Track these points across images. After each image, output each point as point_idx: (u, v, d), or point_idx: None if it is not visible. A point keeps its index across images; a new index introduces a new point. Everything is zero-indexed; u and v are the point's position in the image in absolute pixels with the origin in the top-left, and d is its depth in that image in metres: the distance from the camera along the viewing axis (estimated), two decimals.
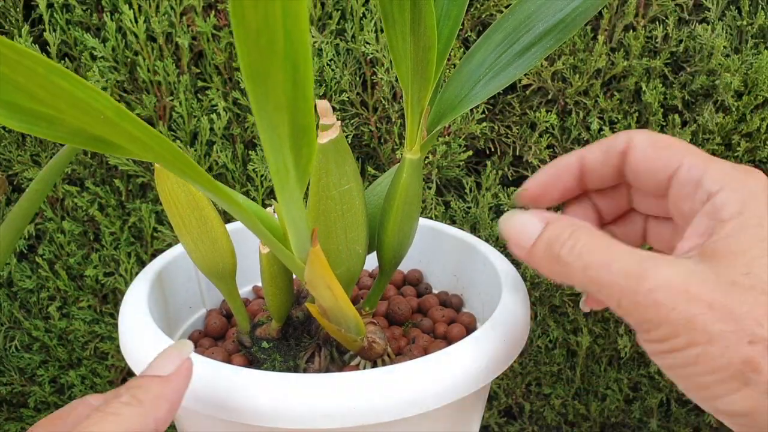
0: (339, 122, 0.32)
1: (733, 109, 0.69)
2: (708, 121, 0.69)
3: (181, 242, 0.38)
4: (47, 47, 0.70)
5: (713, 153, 0.71)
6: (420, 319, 0.46)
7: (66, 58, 0.71)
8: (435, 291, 0.53)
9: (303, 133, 0.25)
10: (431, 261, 0.54)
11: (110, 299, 0.80)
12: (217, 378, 0.31)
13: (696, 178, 0.30)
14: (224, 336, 0.47)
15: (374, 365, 0.38)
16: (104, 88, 0.71)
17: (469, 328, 0.45)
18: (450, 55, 0.68)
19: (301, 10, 0.21)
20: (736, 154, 0.72)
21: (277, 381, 0.31)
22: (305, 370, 0.37)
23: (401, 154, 0.39)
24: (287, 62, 0.22)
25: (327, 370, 0.38)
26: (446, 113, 0.38)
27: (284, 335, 0.39)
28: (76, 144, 0.26)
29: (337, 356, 0.39)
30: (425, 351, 0.41)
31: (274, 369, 0.38)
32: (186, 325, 0.49)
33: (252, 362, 0.42)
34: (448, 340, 0.43)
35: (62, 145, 0.65)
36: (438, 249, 0.53)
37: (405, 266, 0.55)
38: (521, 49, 0.37)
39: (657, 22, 0.69)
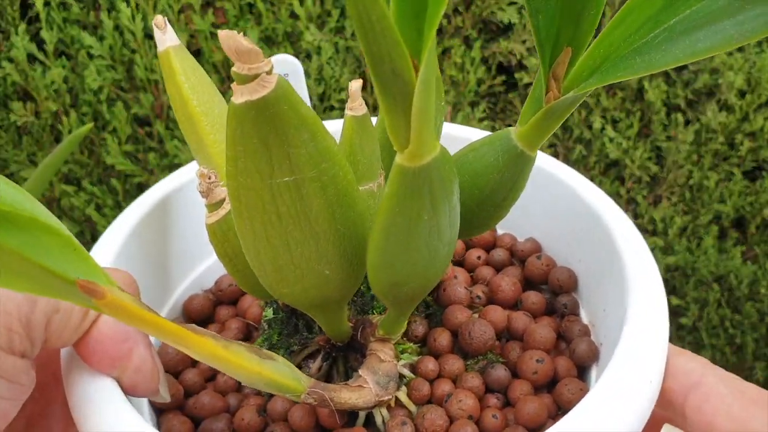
0: (275, 74, 0.19)
1: (737, 108, 0.68)
2: (711, 120, 0.69)
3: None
4: (44, 45, 0.68)
5: (716, 152, 0.72)
6: (498, 354, 0.30)
7: (63, 57, 0.70)
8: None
9: None
10: (543, 221, 0.36)
11: None
12: None
13: None
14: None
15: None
16: (101, 87, 0.69)
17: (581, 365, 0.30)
18: None
19: None
20: (739, 154, 0.71)
21: None
22: (300, 367, 0.28)
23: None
24: None
25: (328, 378, 0.29)
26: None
27: (292, 310, 0.30)
28: None
29: (342, 369, 0.29)
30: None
31: (268, 346, 0.29)
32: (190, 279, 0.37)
33: (248, 336, 0.33)
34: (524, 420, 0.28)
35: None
36: (546, 204, 0.36)
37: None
38: None
39: None
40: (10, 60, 0.68)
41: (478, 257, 0.35)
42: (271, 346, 0.30)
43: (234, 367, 0.22)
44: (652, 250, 0.71)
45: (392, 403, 0.27)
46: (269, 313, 0.30)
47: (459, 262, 0.35)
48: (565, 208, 0.33)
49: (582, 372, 0.30)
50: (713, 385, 0.26)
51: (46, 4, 0.67)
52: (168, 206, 0.34)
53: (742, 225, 0.77)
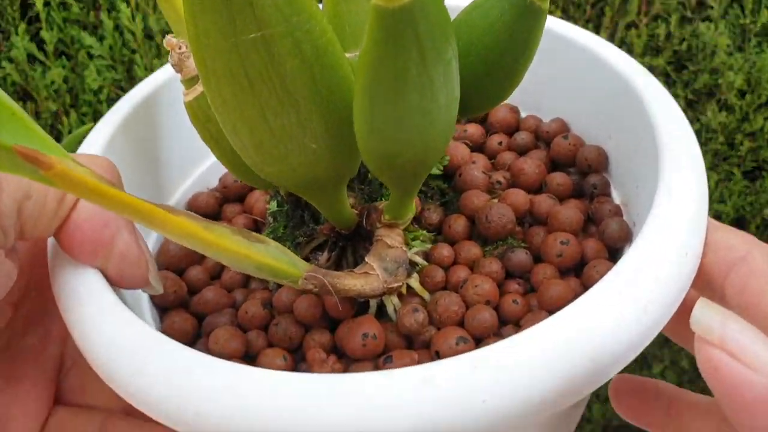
0: None
1: (737, 108, 0.68)
2: (711, 120, 0.69)
3: None
4: (44, 45, 0.68)
5: (716, 153, 0.72)
6: (520, 240, 0.28)
7: (63, 57, 0.69)
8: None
9: None
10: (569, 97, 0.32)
11: None
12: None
13: None
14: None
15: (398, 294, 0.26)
16: (101, 87, 0.69)
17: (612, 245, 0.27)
18: None
19: None
20: (739, 154, 0.71)
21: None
22: (308, 260, 0.27)
23: None
24: None
25: (337, 266, 0.27)
26: None
27: (297, 200, 0.28)
28: None
29: (351, 260, 0.28)
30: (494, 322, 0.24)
31: (274, 239, 0.28)
32: (192, 178, 0.34)
33: (256, 231, 0.31)
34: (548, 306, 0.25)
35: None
36: (573, 78, 0.32)
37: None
38: None
39: (659, 20, 0.68)
40: (10, 60, 0.68)
41: (500, 143, 0.32)
42: (277, 238, 0.28)
43: (218, 249, 0.20)
44: None
45: (403, 291, 0.26)
46: (273, 206, 0.29)
47: (479, 149, 0.33)
48: (593, 79, 0.30)
49: (613, 255, 0.27)
50: (759, 262, 0.23)
51: (46, 4, 0.66)
52: (163, 98, 0.32)
53: (742, 225, 0.75)
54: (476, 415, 0.18)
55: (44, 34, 0.67)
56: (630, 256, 0.21)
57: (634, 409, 0.30)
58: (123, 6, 0.65)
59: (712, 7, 0.67)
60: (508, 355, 0.19)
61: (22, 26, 0.66)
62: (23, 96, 0.70)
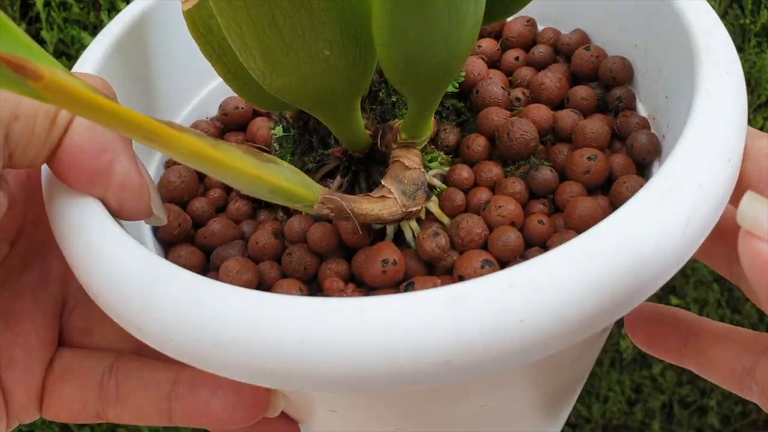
0: None
1: None
2: None
3: None
4: (44, 46, 0.67)
5: None
6: (543, 159, 0.26)
7: (63, 57, 0.69)
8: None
9: None
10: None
11: None
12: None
13: None
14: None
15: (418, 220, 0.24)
16: None
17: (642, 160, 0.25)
18: None
19: None
20: None
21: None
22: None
23: None
24: None
25: (351, 190, 0.26)
26: None
27: (304, 124, 0.27)
28: None
29: (364, 186, 0.26)
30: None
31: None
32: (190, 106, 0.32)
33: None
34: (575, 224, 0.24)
35: None
36: None
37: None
38: None
39: None
40: None
41: (516, 58, 0.30)
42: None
43: (227, 169, 0.18)
44: None
45: (422, 216, 0.24)
46: (279, 131, 0.27)
47: (494, 65, 0.31)
48: None
49: (642, 170, 0.26)
50: None
51: (47, 4, 0.66)
52: (160, 18, 0.29)
53: None
54: (513, 336, 0.17)
55: (44, 34, 0.66)
56: (670, 163, 0.19)
57: (651, 338, 0.29)
58: (123, 6, 0.65)
59: (711, 8, 0.67)
60: (545, 272, 0.17)
61: (23, 26, 0.66)
62: None
